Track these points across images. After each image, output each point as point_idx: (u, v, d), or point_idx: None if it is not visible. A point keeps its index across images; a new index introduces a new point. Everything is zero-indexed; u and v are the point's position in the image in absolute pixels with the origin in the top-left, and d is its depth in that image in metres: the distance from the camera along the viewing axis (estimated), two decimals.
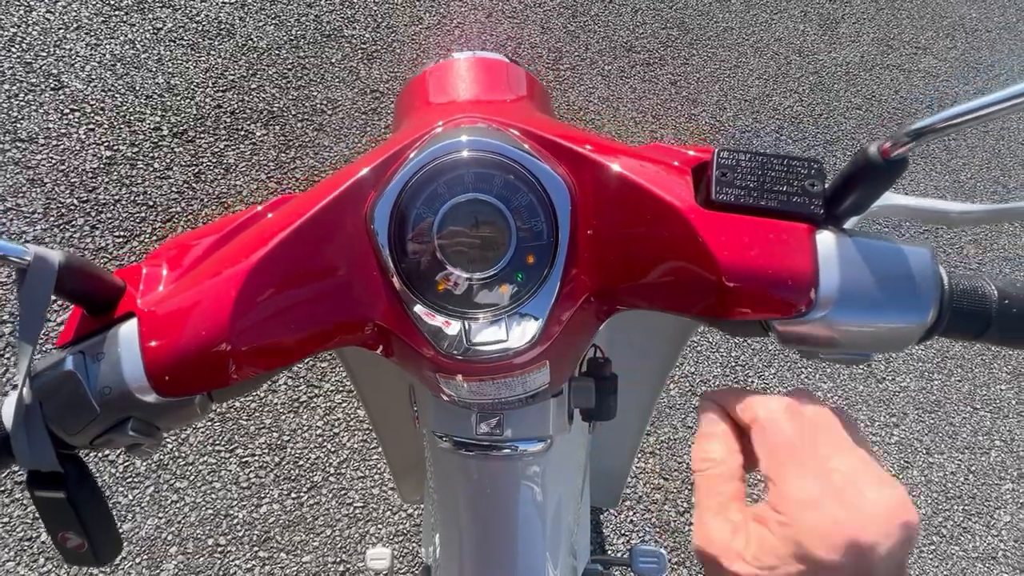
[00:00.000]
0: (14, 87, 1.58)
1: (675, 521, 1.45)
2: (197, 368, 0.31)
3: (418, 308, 0.33)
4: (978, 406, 1.79)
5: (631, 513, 1.45)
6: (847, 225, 0.33)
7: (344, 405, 1.41)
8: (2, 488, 1.22)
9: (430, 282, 0.33)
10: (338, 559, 1.26)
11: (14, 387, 0.30)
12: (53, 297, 0.30)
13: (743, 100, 2.11)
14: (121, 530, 1.21)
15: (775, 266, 0.31)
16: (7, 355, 1.32)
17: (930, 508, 1.61)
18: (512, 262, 0.33)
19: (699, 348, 1.68)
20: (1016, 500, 1.67)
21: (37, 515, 1.19)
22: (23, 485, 1.22)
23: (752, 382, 1.66)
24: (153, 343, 0.31)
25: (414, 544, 1.31)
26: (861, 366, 1.77)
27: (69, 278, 0.31)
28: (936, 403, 1.77)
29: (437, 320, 0.33)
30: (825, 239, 0.32)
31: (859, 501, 0.25)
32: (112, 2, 1.76)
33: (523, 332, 0.33)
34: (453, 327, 0.33)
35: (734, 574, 0.26)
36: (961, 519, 1.61)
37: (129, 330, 0.32)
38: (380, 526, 1.30)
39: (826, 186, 0.32)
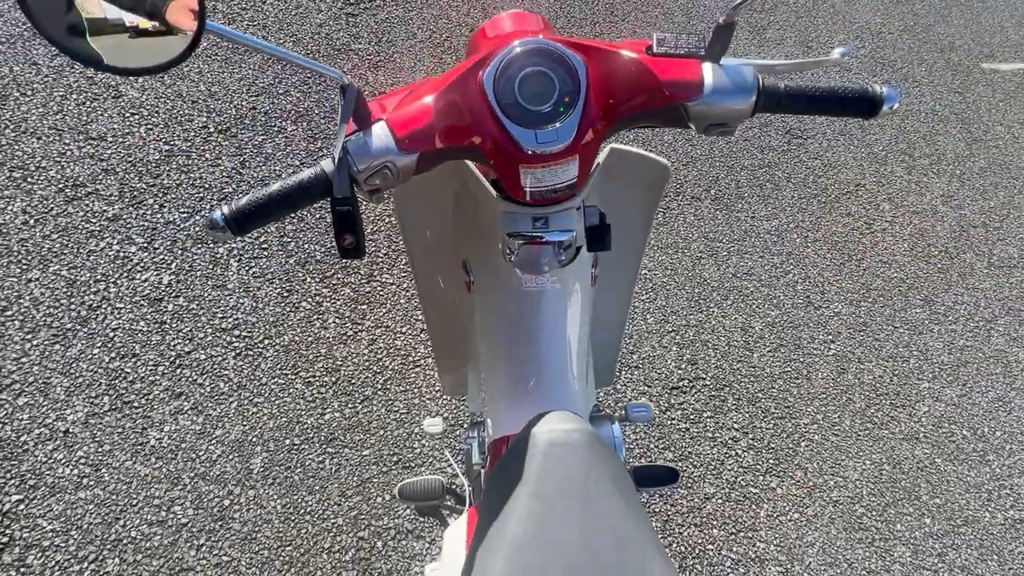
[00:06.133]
0: (81, 96, 1.86)
1: (659, 417, 1.77)
2: (416, 136, 0.64)
3: (510, 126, 0.65)
4: (898, 325, 2.18)
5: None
6: (722, 62, 0.67)
7: (384, 337, 1.71)
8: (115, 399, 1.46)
9: (515, 113, 0.65)
10: (391, 452, 1.54)
11: (325, 158, 0.61)
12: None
13: None
14: (207, 383, 1.47)
15: (684, 77, 0.66)
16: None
17: (864, 402, 1.97)
18: (557, 101, 0.65)
19: (668, 288, 2.03)
20: (932, 395, 2.04)
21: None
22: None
23: (713, 311, 2.02)
24: (397, 129, 0.63)
25: (451, 439, 1.60)
26: (800, 297, 2.15)
27: (357, 99, 0.62)
28: (863, 324, 2.15)
29: (521, 132, 0.65)
30: (706, 65, 0.66)
31: None
32: None
33: (564, 135, 0.66)
34: (529, 135, 0.65)
35: None
36: (889, 410, 1.98)
37: (381, 127, 0.63)
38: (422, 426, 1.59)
39: (706, 43, 0.67)
